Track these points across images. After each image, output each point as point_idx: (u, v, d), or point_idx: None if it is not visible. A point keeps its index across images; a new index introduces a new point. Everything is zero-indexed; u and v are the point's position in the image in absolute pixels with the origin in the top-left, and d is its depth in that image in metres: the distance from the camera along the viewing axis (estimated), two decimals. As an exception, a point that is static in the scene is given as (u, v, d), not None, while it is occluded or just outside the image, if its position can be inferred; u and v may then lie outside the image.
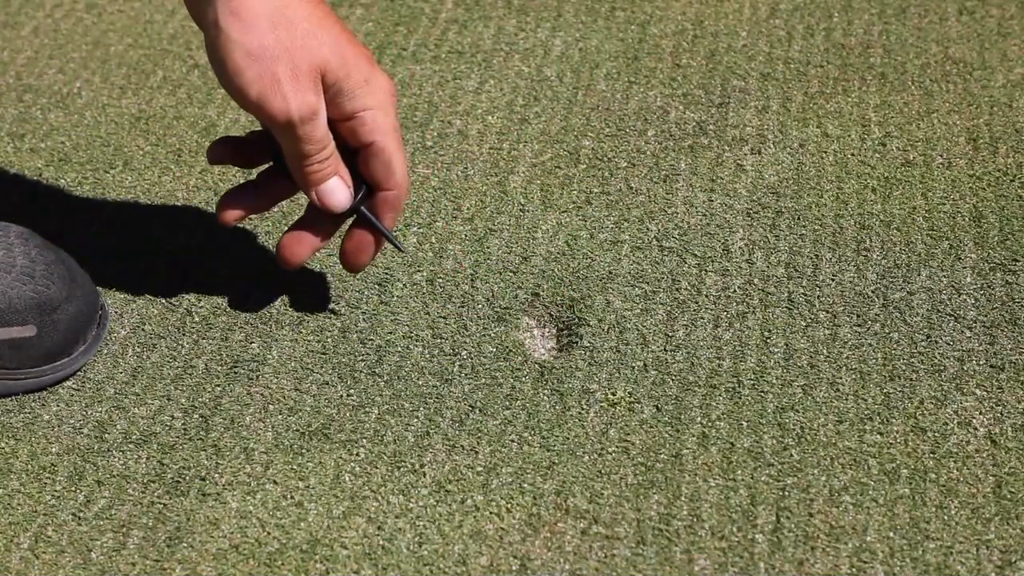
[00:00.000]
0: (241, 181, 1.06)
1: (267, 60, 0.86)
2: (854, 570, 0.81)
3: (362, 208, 0.93)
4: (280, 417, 0.91)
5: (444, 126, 1.14)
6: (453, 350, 0.95)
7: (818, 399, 0.91)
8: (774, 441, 0.88)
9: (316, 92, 0.87)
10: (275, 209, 1.07)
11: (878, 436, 0.88)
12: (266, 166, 0.95)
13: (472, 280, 1.00)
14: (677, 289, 0.99)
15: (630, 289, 0.99)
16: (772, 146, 1.11)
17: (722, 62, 1.21)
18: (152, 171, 1.11)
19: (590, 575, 0.81)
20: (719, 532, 0.83)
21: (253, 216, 1.06)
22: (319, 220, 0.94)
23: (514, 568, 0.81)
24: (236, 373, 0.94)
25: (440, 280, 1.00)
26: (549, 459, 0.88)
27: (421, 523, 0.84)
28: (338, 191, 0.91)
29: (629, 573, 0.81)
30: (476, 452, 0.88)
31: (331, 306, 0.98)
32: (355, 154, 0.92)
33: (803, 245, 1.02)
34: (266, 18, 0.86)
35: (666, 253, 1.02)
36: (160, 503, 0.86)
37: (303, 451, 0.88)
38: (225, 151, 0.94)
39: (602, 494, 0.85)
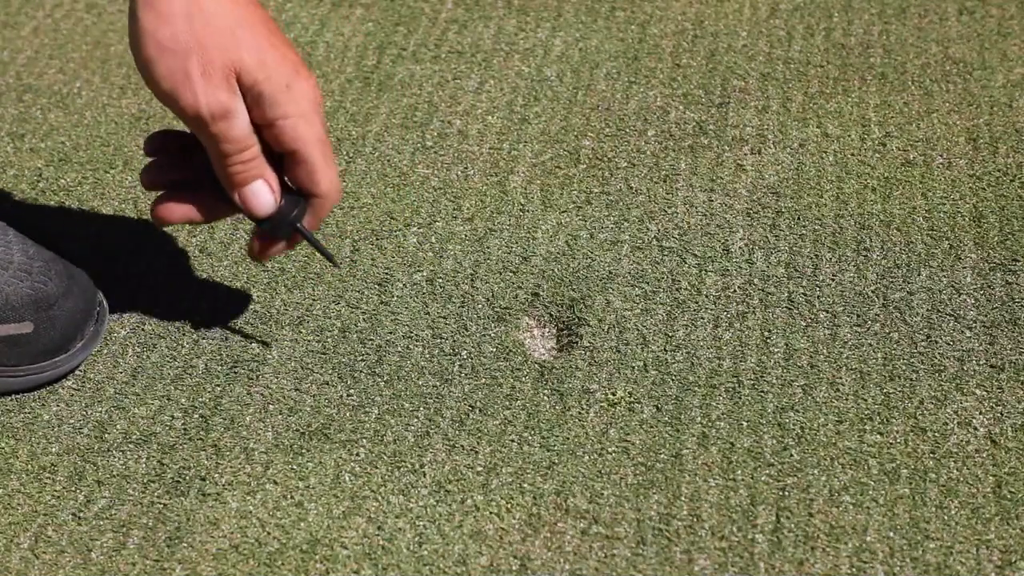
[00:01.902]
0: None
1: (179, 54, 0.83)
2: (854, 570, 0.81)
3: (298, 225, 0.90)
4: (280, 417, 0.91)
5: (444, 126, 1.14)
6: (453, 350, 0.95)
7: (818, 399, 0.91)
8: (774, 441, 0.88)
9: (229, 91, 0.84)
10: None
11: (878, 436, 0.88)
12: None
13: (472, 280, 1.00)
14: (677, 289, 0.99)
15: (630, 289, 0.99)
16: (772, 146, 1.11)
17: (722, 62, 1.21)
18: (152, 171, 1.11)
19: (590, 575, 0.81)
20: (719, 532, 0.83)
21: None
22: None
23: (514, 568, 0.81)
24: (236, 373, 0.94)
25: (440, 280, 1.00)
26: (549, 459, 0.88)
27: (421, 523, 0.84)
28: (261, 194, 0.88)
29: (629, 573, 0.81)
30: (476, 452, 0.88)
31: (331, 306, 0.98)
32: (281, 159, 0.88)
33: (803, 245, 1.02)
34: (181, 12, 0.83)
35: (666, 253, 1.02)
36: (160, 503, 0.86)
37: (303, 451, 0.88)
38: (162, 150, 0.92)
39: (602, 494, 0.85)
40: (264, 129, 0.86)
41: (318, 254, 0.98)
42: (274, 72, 0.85)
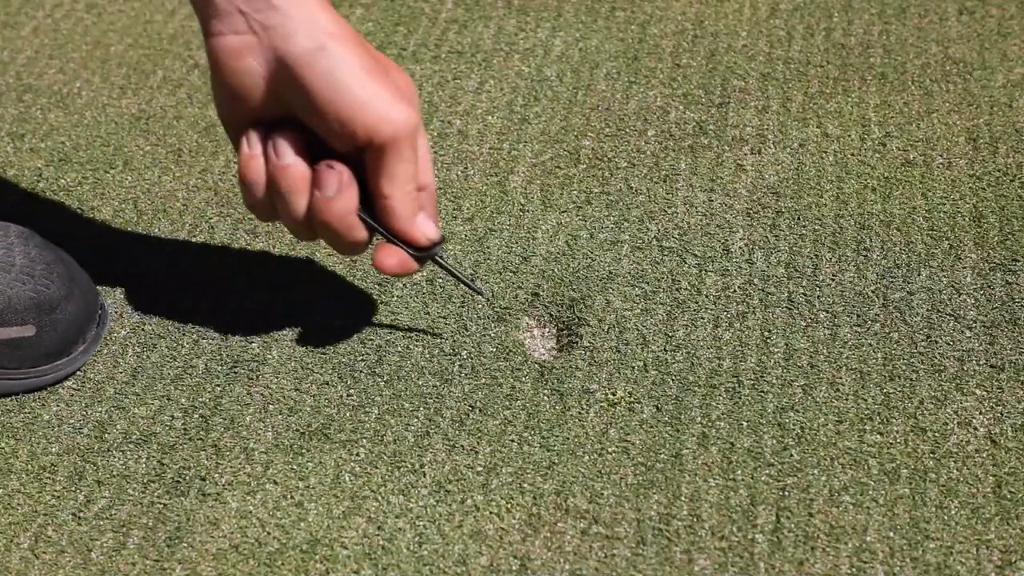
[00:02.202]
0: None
1: (380, 75, 0.84)
2: (854, 570, 0.81)
3: (439, 256, 0.91)
4: (280, 417, 0.91)
5: (444, 126, 1.14)
6: (453, 350, 0.95)
7: (818, 399, 0.91)
8: (774, 441, 0.88)
9: (417, 108, 0.86)
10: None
11: (878, 436, 0.88)
12: None
13: (472, 280, 1.00)
14: (677, 289, 0.99)
15: (630, 289, 0.99)
16: (772, 146, 1.11)
17: (722, 62, 1.21)
18: (152, 171, 1.11)
19: (590, 575, 0.81)
20: (719, 532, 0.83)
21: (253, 217, 1.06)
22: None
23: (514, 568, 0.81)
24: (236, 373, 0.94)
25: (440, 280, 1.00)
26: (549, 459, 0.88)
27: (421, 523, 0.84)
28: (431, 221, 0.89)
29: (629, 573, 0.81)
30: (476, 452, 0.88)
31: (331, 306, 0.98)
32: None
33: (803, 245, 1.02)
34: (359, 40, 0.85)
35: (666, 253, 1.02)
36: (160, 503, 0.86)
37: (303, 451, 0.88)
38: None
39: (602, 494, 0.85)
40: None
41: (316, 255, 0.97)
42: None
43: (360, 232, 0.88)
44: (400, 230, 0.88)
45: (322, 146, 0.86)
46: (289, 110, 0.85)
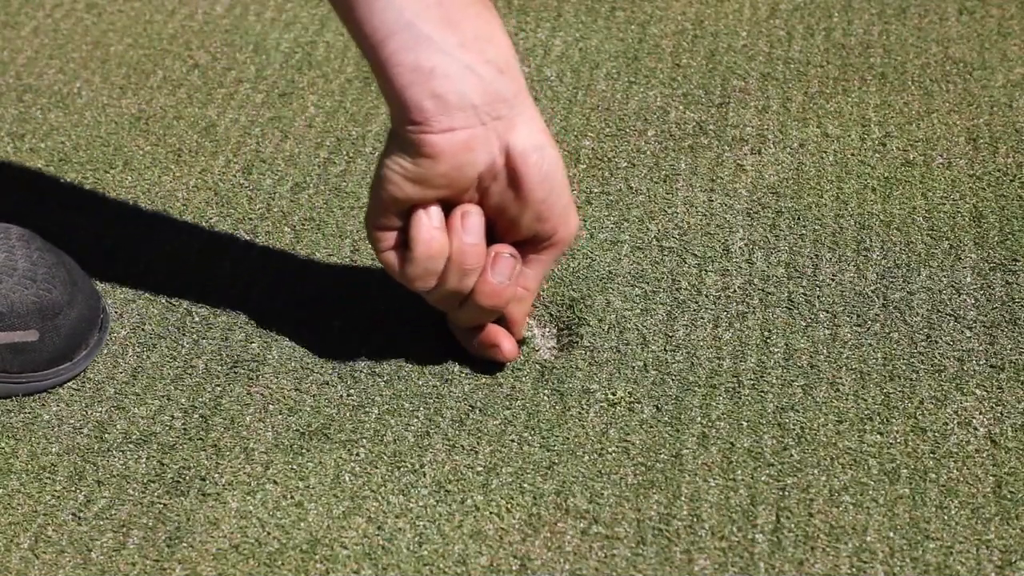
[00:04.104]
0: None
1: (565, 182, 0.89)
2: (854, 570, 0.81)
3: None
4: (280, 417, 0.91)
5: (444, 126, 1.14)
6: (453, 350, 0.95)
7: (818, 399, 0.91)
8: (774, 441, 0.88)
9: None
10: (275, 208, 1.07)
11: (878, 436, 0.88)
12: None
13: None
14: (677, 289, 0.99)
15: (630, 289, 0.99)
16: (772, 146, 1.11)
17: (722, 62, 1.21)
18: (152, 171, 1.11)
19: (590, 575, 0.81)
20: (719, 532, 0.83)
21: (252, 217, 1.06)
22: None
23: (514, 568, 0.81)
24: (236, 373, 0.94)
25: (440, 280, 1.00)
26: (549, 459, 0.88)
27: (421, 523, 0.84)
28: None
29: (629, 573, 0.81)
30: (476, 452, 0.88)
31: (331, 306, 0.98)
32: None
33: (803, 245, 1.02)
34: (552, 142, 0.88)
35: (666, 253, 1.02)
36: (160, 503, 0.86)
37: (303, 451, 0.88)
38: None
39: (602, 494, 0.85)
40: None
41: (316, 255, 0.98)
42: None
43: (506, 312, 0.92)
44: (518, 321, 0.93)
45: (490, 228, 0.89)
46: (485, 197, 0.88)
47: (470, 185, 0.86)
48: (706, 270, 1.00)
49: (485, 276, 0.89)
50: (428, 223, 0.87)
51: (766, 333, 0.95)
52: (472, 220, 0.88)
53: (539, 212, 0.87)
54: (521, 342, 0.94)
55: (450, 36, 0.83)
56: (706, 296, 0.98)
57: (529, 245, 0.89)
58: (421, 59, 0.83)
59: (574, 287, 0.99)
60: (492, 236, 0.89)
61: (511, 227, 0.88)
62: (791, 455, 0.87)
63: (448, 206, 0.87)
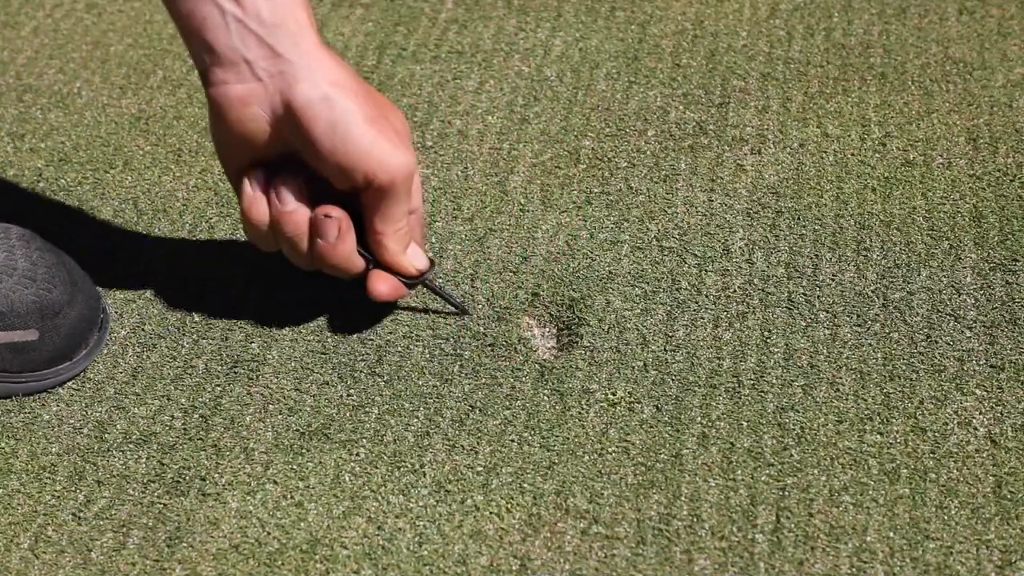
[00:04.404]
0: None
1: (381, 122, 0.88)
2: (854, 570, 0.81)
3: (426, 279, 0.95)
4: (280, 417, 0.91)
5: (444, 126, 1.14)
6: (453, 350, 0.95)
7: (818, 399, 0.91)
8: (774, 441, 0.88)
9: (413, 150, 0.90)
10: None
11: (878, 436, 0.88)
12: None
13: (472, 280, 1.00)
14: (677, 289, 0.99)
15: (630, 289, 0.99)
16: (772, 146, 1.11)
17: (722, 62, 1.21)
18: (152, 171, 1.11)
19: (590, 575, 0.81)
20: (719, 532, 0.83)
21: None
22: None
23: (514, 568, 0.81)
24: (236, 373, 0.94)
25: (440, 280, 1.00)
26: (549, 459, 0.88)
27: (421, 523, 0.84)
28: (420, 252, 0.94)
29: (629, 573, 0.81)
30: (476, 452, 0.88)
31: (331, 306, 0.98)
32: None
33: (803, 245, 1.02)
34: (361, 88, 0.88)
35: (666, 253, 1.02)
36: (160, 503, 0.86)
37: (303, 451, 0.88)
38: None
39: (602, 494, 0.85)
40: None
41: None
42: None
43: (359, 264, 0.93)
44: (391, 263, 0.93)
45: (323, 183, 0.90)
46: (291, 151, 0.89)
47: (268, 144, 0.88)
48: (706, 270, 1.00)
49: (315, 239, 0.91)
50: (249, 191, 0.90)
51: (766, 333, 0.95)
52: (284, 187, 0.90)
53: (337, 163, 0.87)
54: (431, 268, 0.95)
55: None
56: (706, 296, 0.98)
57: (360, 195, 0.90)
58: (195, 10, 0.85)
59: (574, 287, 0.99)
60: (326, 194, 0.91)
61: (329, 180, 0.90)
62: (791, 455, 0.87)
63: (275, 170, 0.90)
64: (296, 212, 0.90)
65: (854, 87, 1.17)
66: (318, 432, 0.90)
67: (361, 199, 0.90)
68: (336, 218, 0.90)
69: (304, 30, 0.87)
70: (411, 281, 0.94)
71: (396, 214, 0.91)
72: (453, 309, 0.97)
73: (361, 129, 0.87)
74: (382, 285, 0.93)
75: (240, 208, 0.91)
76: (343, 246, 0.91)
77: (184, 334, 0.97)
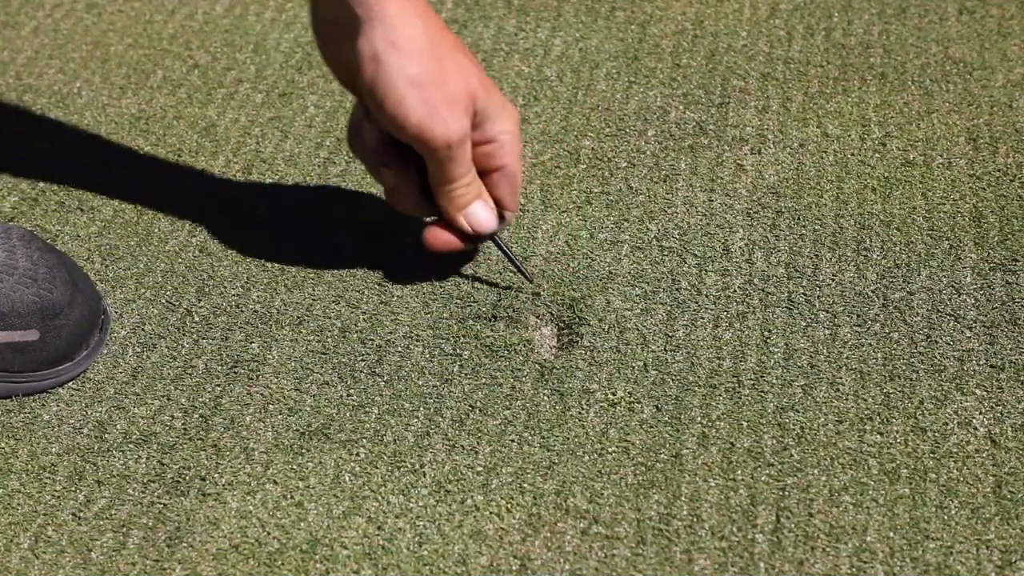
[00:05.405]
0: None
1: (427, 87, 0.90)
2: (854, 570, 0.81)
3: (496, 237, 0.97)
4: (280, 417, 0.91)
5: (444, 126, 1.14)
6: (453, 350, 0.95)
7: (818, 399, 0.91)
8: (774, 441, 0.88)
9: (467, 116, 0.92)
10: (275, 208, 1.07)
11: (878, 436, 0.88)
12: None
13: (472, 280, 1.00)
14: (677, 289, 0.99)
15: (630, 289, 0.99)
16: (772, 146, 1.11)
17: (722, 62, 1.21)
18: (152, 171, 1.11)
19: (590, 575, 0.81)
20: (719, 532, 0.83)
21: (253, 217, 1.06)
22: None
23: (514, 568, 0.81)
24: (236, 373, 0.94)
25: (440, 280, 1.00)
26: (549, 459, 0.88)
27: (421, 523, 0.84)
28: (483, 212, 0.96)
29: (629, 573, 0.81)
30: (476, 452, 0.88)
31: (331, 306, 0.98)
32: (483, 177, 0.96)
33: (803, 245, 1.02)
34: (421, 49, 0.90)
35: (666, 253, 1.02)
36: (160, 503, 0.86)
37: (303, 451, 0.88)
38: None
39: (602, 494, 0.85)
40: (477, 147, 0.94)
41: (317, 255, 0.99)
42: (494, 94, 0.94)
43: (426, 212, 0.97)
44: (448, 219, 0.96)
45: None
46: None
47: (348, 80, 0.93)
48: (706, 270, 1.00)
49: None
50: (352, 118, 0.97)
51: (766, 333, 0.95)
52: (369, 124, 0.94)
53: (379, 120, 0.92)
54: (497, 229, 0.97)
55: None
56: (706, 296, 0.98)
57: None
58: None
59: (574, 287, 0.99)
60: None
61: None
62: (791, 455, 0.87)
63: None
64: (372, 153, 0.95)
65: (854, 87, 1.17)
66: (318, 432, 0.90)
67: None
68: (392, 171, 0.94)
69: None
70: (471, 239, 0.97)
71: (443, 176, 0.93)
72: (519, 275, 0.99)
73: (399, 93, 0.89)
74: (432, 237, 0.97)
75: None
76: (399, 196, 0.95)
77: (184, 334, 0.97)
